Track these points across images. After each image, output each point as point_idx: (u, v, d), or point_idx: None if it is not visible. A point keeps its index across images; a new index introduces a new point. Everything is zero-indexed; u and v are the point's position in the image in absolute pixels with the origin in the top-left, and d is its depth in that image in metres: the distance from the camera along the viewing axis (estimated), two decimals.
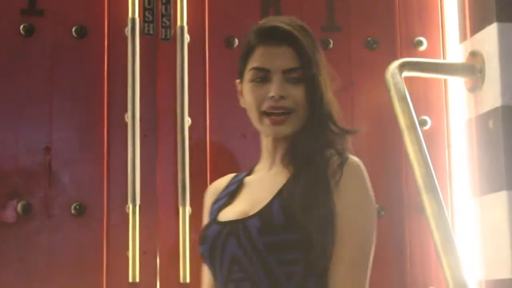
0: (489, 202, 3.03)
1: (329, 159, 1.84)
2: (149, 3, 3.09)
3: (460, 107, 3.23)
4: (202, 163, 3.04)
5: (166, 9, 3.11)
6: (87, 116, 3.01)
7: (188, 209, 2.95)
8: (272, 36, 1.86)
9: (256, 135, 3.05)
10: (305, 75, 1.86)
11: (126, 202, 2.93)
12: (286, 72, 1.86)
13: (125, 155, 2.95)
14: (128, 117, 2.97)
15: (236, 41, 3.14)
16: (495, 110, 3.01)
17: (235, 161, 3.09)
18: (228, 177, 2.10)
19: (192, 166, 2.99)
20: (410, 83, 3.08)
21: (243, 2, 3.20)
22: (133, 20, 3.03)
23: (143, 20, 3.08)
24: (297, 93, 1.86)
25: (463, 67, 3.17)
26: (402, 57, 3.16)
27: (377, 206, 3.09)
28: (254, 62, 1.89)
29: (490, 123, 3.03)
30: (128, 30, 3.02)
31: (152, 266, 2.95)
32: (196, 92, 3.07)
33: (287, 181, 1.85)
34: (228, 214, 1.90)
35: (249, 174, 2.04)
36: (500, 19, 3.04)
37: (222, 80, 3.10)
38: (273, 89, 1.84)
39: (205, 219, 2.03)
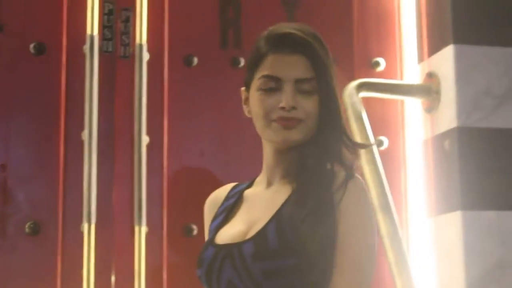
0: (444, 222, 3.06)
1: (336, 174, 1.77)
2: (108, 21, 3.09)
3: (417, 128, 3.26)
4: (159, 182, 3.03)
5: (125, 26, 3.11)
6: (43, 133, 3.00)
7: (144, 228, 2.94)
8: (285, 44, 1.76)
9: (213, 153, 3.10)
10: (319, 86, 1.77)
11: (82, 221, 2.91)
12: (298, 82, 1.77)
13: (81, 173, 2.93)
14: (85, 134, 2.95)
15: (195, 59, 3.15)
16: (451, 131, 3.04)
17: (193, 179, 3.09)
18: (227, 187, 2.03)
19: (149, 185, 2.98)
20: (368, 104, 3.11)
21: (202, 21, 3.20)
22: (92, 37, 3.02)
23: (102, 37, 3.07)
24: (309, 104, 1.77)
25: (420, 88, 3.20)
26: (359, 77, 3.17)
27: None
28: (264, 70, 1.78)
29: (446, 144, 3.06)
30: (86, 47, 3.01)
31: (107, 285, 2.93)
32: (154, 110, 3.06)
33: (286, 201, 1.77)
34: (225, 235, 1.84)
35: (249, 185, 1.96)
36: (456, 41, 3.07)
37: (180, 99, 3.10)
38: (284, 99, 1.75)
39: (206, 236, 1.97)
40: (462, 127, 3.02)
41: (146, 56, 3.07)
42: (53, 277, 2.91)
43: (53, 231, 2.93)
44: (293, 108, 1.75)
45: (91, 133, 2.95)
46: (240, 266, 1.73)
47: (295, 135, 1.78)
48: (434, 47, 3.19)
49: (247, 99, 1.86)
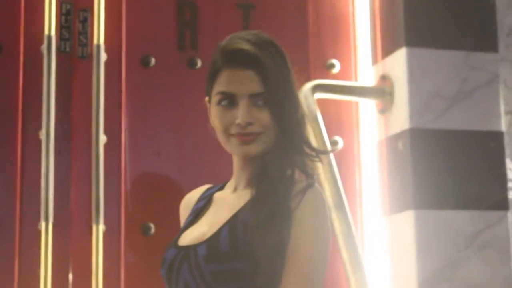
0: (397, 221, 3.11)
1: (297, 181, 1.79)
2: (66, 21, 3.09)
3: (371, 129, 3.31)
4: (116, 181, 3.04)
5: (83, 27, 3.12)
6: (1, 132, 2.99)
7: (101, 227, 2.95)
8: (236, 59, 1.78)
9: (170, 153, 3.12)
10: (269, 100, 1.78)
11: (39, 220, 2.92)
12: (252, 96, 1.79)
13: (38, 173, 2.93)
14: (42, 134, 2.96)
15: (153, 60, 3.16)
16: (404, 132, 3.10)
17: (150, 179, 3.10)
18: (201, 189, 2.04)
19: (107, 184, 3.00)
20: (323, 105, 3.15)
21: (160, 22, 3.22)
22: (49, 37, 3.02)
23: (60, 37, 3.07)
24: (264, 116, 1.79)
25: (374, 90, 3.25)
26: (315, 79, 3.21)
27: None
28: (220, 85, 1.81)
29: (400, 145, 3.12)
30: (44, 47, 3.02)
31: (64, 284, 2.93)
32: (111, 110, 3.07)
33: (244, 206, 1.80)
34: (187, 237, 1.86)
35: (221, 188, 1.98)
36: (409, 44, 3.13)
37: (138, 99, 3.12)
38: (239, 116, 1.78)
39: None
40: (414, 128, 3.08)
41: (103, 56, 3.07)
42: (10, 275, 2.90)
43: (11, 229, 2.92)
44: (249, 123, 1.78)
45: (48, 133, 2.95)
46: (195, 268, 1.76)
47: (254, 149, 1.81)
48: (388, 49, 3.25)
49: (209, 110, 1.88)
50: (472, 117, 3.14)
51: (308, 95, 3.04)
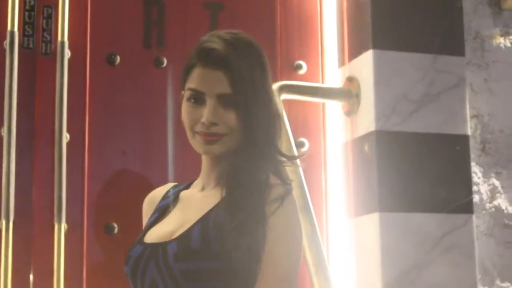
0: (362, 223, 3.11)
1: (271, 186, 1.80)
2: (29, 17, 3.05)
3: (337, 130, 3.31)
4: (79, 180, 3.00)
5: (47, 23, 3.08)
6: None
7: (64, 226, 2.91)
8: (209, 59, 1.80)
9: (135, 152, 3.09)
10: (238, 102, 1.79)
11: (0, 218, 2.86)
12: (221, 97, 1.80)
13: (0, 170, 2.88)
14: (4, 131, 2.91)
15: (118, 58, 3.13)
16: (369, 134, 3.09)
17: (114, 178, 3.07)
18: (166, 187, 2.04)
19: (69, 183, 2.95)
20: (289, 106, 3.14)
21: (126, 19, 3.19)
22: (12, 33, 2.97)
23: (23, 33, 3.03)
24: (230, 118, 1.80)
25: (340, 92, 3.25)
26: (281, 79, 3.21)
27: None
28: (191, 82, 1.83)
29: (366, 147, 3.12)
30: (6, 43, 2.97)
31: (25, 283, 2.89)
32: (75, 108, 3.04)
33: (216, 205, 1.80)
34: (153, 234, 1.86)
35: (187, 187, 1.99)
36: (375, 46, 3.13)
37: (102, 97, 3.09)
38: (205, 115, 1.79)
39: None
40: (380, 131, 3.08)
41: (67, 53, 3.03)
42: None
43: None
44: (214, 124, 1.79)
45: (10, 130, 2.90)
46: (163, 266, 1.75)
47: (216, 149, 1.82)
48: (354, 51, 3.24)
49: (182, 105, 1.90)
50: (438, 120, 3.14)
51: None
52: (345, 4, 3.33)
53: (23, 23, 3.04)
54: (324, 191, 3.28)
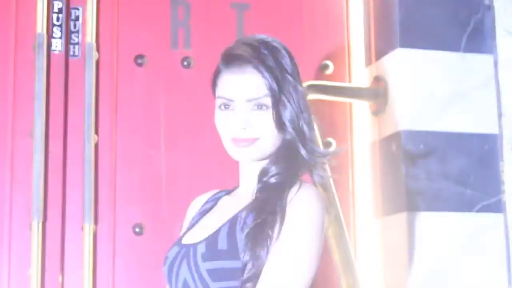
0: (390, 223, 3.10)
1: (296, 183, 1.80)
2: (57, 19, 3.07)
3: (364, 130, 3.30)
4: (108, 181, 3.02)
5: (75, 25, 3.10)
6: None
7: (93, 226, 2.93)
8: (235, 64, 1.81)
9: (163, 153, 3.10)
10: (267, 104, 1.80)
11: (31, 219, 2.89)
12: (250, 101, 1.81)
13: (30, 172, 2.91)
14: (33, 133, 2.93)
15: (146, 59, 3.14)
16: (397, 133, 3.09)
17: (143, 179, 3.08)
18: (211, 192, 2.06)
19: (98, 184, 2.98)
20: (316, 106, 3.13)
21: (153, 21, 3.20)
22: (41, 35, 3.00)
23: (51, 36, 3.06)
24: (262, 121, 1.80)
25: (368, 91, 3.24)
26: (308, 80, 3.19)
27: None
28: (220, 90, 1.84)
29: (393, 146, 3.11)
30: (35, 45, 2.99)
31: (55, 284, 2.90)
32: (103, 110, 3.05)
33: (245, 206, 1.81)
34: (190, 236, 1.89)
35: (229, 193, 2.01)
36: (403, 45, 3.12)
37: (130, 98, 3.10)
38: (236, 121, 1.80)
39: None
40: (407, 130, 3.07)
41: (95, 55, 3.06)
42: (0, 275, 2.88)
43: (1, 229, 2.90)
44: (244, 129, 1.80)
45: (40, 132, 2.93)
46: (193, 266, 1.78)
47: (250, 154, 1.83)
48: (382, 50, 3.24)
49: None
50: (467, 119, 3.13)
51: None
52: (371, 3, 3.32)
53: (51, 25, 3.06)
54: (352, 190, 3.27)
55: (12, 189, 2.94)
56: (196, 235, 1.87)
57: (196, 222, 1.96)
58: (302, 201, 1.75)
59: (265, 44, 1.86)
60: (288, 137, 1.82)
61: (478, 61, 3.18)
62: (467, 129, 3.12)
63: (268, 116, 1.81)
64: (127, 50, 3.14)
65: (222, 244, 1.75)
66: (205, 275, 1.75)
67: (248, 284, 1.71)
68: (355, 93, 3.26)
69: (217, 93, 1.86)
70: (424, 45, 3.15)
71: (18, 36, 3.04)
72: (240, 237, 1.74)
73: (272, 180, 1.81)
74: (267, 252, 1.71)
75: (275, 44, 1.88)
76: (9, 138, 2.96)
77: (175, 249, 1.87)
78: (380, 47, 3.25)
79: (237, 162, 1.94)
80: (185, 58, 3.19)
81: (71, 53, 3.08)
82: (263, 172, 1.84)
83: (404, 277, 2.98)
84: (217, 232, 1.80)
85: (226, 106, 1.83)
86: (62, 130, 3.01)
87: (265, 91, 1.80)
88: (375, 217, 3.19)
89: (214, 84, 1.89)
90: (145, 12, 3.20)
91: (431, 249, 3.00)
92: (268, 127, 1.81)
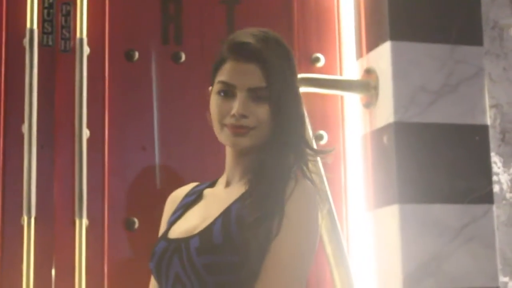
0: (382, 215, 3.11)
1: (295, 181, 1.81)
2: (48, 15, 3.07)
3: (356, 123, 3.31)
4: (100, 175, 3.02)
5: (65, 20, 3.10)
6: None
7: (84, 221, 2.94)
8: (241, 52, 1.83)
9: (155, 147, 3.10)
10: (270, 95, 1.82)
11: (22, 214, 2.89)
12: (251, 90, 1.83)
13: (21, 167, 2.91)
14: (25, 128, 2.93)
15: (136, 54, 3.15)
16: (388, 126, 3.09)
17: (134, 173, 3.08)
18: (190, 186, 2.07)
19: (90, 179, 2.98)
20: (308, 99, 3.13)
21: (143, 16, 3.20)
22: (31, 31, 3.00)
23: (42, 31, 3.05)
24: (261, 111, 1.83)
25: (359, 84, 3.25)
26: (300, 72, 3.16)
27: None
28: (222, 75, 1.85)
29: (384, 139, 3.11)
30: (26, 41, 2.99)
31: (47, 279, 2.91)
32: (95, 104, 3.05)
33: (237, 199, 1.83)
34: (177, 230, 1.89)
35: (211, 185, 2.01)
36: (393, 37, 3.13)
37: (121, 93, 3.10)
38: (235, 108, 1.82)
39: (161, 230, 2.02)
40: (399, 122, 3.08)
41: (86, 50, 3.05)
42: None
43: None
44: (244, 116, 1.82)
45: (31, 127, 2.92)
46: (186, 260, 1.78)
47: (244, 141, 1.84)
48: (372, 43, 3.24)
49: (211, 98, 1.92)
50: (457, 110, 3.13)
51: None
52: None
53: (42, 20, 3.06)
54: (344, 183, 3.28)
55: (3, 184, 2.94)
56: (185, 229, 1.86)
57: (180, 216, 1.96)
58: (300, 198, 1.78)
59: (269, 37, 1.89)
60: (282, 131, 1.85)
61: (468, 53, 3.17)
62: (458, 120, 3.12)
63: (265, 107, 1.83)
64: (118, 45, 3.14)
65: (217, 238, 1.76)
66: (201, 269, 1.75)
67: (247, 279, 1.73)
68: (346, 85, 3.26)
69: (218, 78, 1.87)
70: (414, 37, 3.15)
71: (8, 31, 3.04)
72: (236, 231, 1.75)
73: (268, 173, 1.82)
74: (266, 247, 1.73)
75: (277, 37, 1.92)
76: (0, 133, 2.96)
77: (163, 244, 1.87)
78: (370, 40, 3.25)
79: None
80: (176, 53, 3.19)
81: (62, 48, 3.07)
82: (258, 164, 1.85)
83: (397, 269, 2.99)
84: (210, 226, 1.80)
85: (226, 92, 1.85)
86: (53, 125, 3.01)
87: (269, 81, 1.82)
88: (367, 209, 3.20)
89: (215, 70, 1.89)
90: (136, 7, 3.20)
91: (423, 241, 3.00)
92: (264, 118, 1.83)
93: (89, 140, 3.01)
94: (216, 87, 1.87)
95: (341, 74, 3.36)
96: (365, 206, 3.21)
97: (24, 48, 3.00)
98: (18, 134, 2.96)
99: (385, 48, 3.13)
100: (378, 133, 3.16)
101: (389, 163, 3.08)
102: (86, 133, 3.00)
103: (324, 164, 2.93)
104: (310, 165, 1.89)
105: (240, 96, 1.83)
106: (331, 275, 2.86)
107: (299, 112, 1.89)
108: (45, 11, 3.07)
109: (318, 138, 3.25)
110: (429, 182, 3.05)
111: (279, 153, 1.84)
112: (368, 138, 3.22)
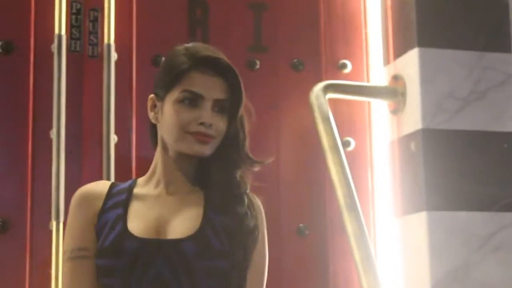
0: (410, 222, 3.09)
1: (245, 193, 1.95)
2: (76, 20, 3.09)
3: (383, 129, 3.30)
4: (127, 180, 3.02)
5: (93, 26, 3.11)
6: (12, 132, 2.99)
7: None
8: (210, 66, 1.90)
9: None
10: (231, 107, 1.92)
11: (50, 219, 2.90)
12: (216, 101, 1.90)
13: (49, 172, 2.92)
14: (53, 133, 2.95)
15: (163, 59, 3.14)
16: (416, 132, 3.08)
17: None
18: (103, 183, 2.04)
19: None
20: (335, 105, 3.14)
21: (170, 21, 3.21)
22: (60, 36, 3.01)
23: (70, 37, 3.07)
24: (220, 123, 1.91)
25: (386, 90, 3.24)
26: (327, 79, 3.21)
27: (301, 225, 3.15)
28: (187, 85, 1.89)
29: (412, 145, 3.10)
30: (54, 46, 3.01)
31: None
32: (122, 110, 3.06)
33: (207, 208, 1.91)
34: (138, 229, 1.88)
35: (133, 185, 2.01)
36: (421, 44, 3.12)
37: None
38: (204, 117, 1.88)
39: (84, 225, 1.93)
40: (427, 129, 3.07)
41: (114, 56, 3.07)
42: (21, 275, 2.89)
43: (22, 229, 2.92)
44: (210, 125, 1.89)
45: (59, 132, 2.94)
46: (179, 263, 1.82)
47: (207, 150, 1.91)
48: (400, 50, 3.23)
49: (155, 106, 1.98)
50: (485, 117, 3.12)
51: (319, 95, 3.03)
52: (389, 2, 3.32)
53: (70, 26, 3.08)
54: (371, 190, 3.28)
55: (32, 190, 2.95)
56: (150, 230, 1.87)
57: (124, 214, 1.92)
58: (261, 209, 1.99)
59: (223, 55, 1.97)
60: (236, 140, 1.95)
61: (497, 60, 3.16)
62: (486, 127, 3.11)
63: (224, 118, 1.92)
64: (145, 50, 3.16)
65: (215, 245, 1.85)
66: (199, 272, 1.82)
67: (238, 283, 1.86)
68: (373, 92, 3.26)
69: (183, 88, 1.90)
70: (442, 44, 3.14)
71: (37, 37, 3.06)
72: (225, 238, 1.86)
73: (225, 180, 1.93)
74: (251, 256, 1.90)
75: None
76: (29, 138, 2.98)
77: (133, 242, 1.85)
78: (398, 46, 3.25)
79: None
80: None
81: (90, 53, 3.09)
82: (208, 169, 1.94)
83: (425, 276, 2.97)
84: (202, 232, 1.86)
85: (191, 101, 1.89)
86: (81, 130, 3.02)
87: (232, 94, 1.92)
88: (395, 216, 3.19)
89: (174, 79, 1.92)
90: (163, 12, 3.21)
91: (451, 248, 2.99)
92: (223, 129, 1.92)
93: (116, 145, 3.02)
94: (179, 95, 1.90)
95: (368, 81, 3.36)
96: (393, 213, 3.20)
97: (52, 54, 3.01)
98: (47, 139, 2.97)
99: (413, 55, 3.13)
100: (405, 140, 3.15)
101: (416, 169, 3.07)
102: (113, 138, 3.01)
103: (351, 170, 2.93)
104: (248, 174, 2.01)
105: (207, 106, 1.89)
106: (359, 282, 2.85)
107: (244, 123, 1.98)
108: (73, 17, 3.09)
109: (346, 144, 3.24)
110: (457, 189, 3.04)
111: (228, 161, 1.94)
112: (396, 144, 3.21)
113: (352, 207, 2.88)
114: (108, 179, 2.94)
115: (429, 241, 2.98)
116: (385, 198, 3.25)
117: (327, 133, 2.96)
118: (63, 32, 3.03)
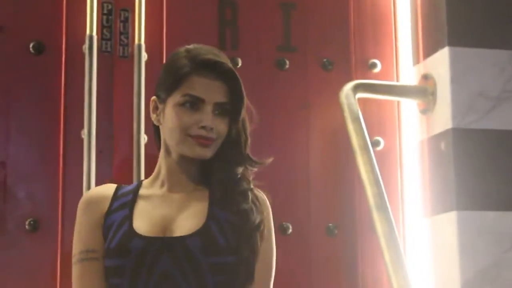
0: (439, 222, 3.08)
1: (249, 189, 1.97)
2: (107, 21, 3.11)
3: (413, 129, 3.29)
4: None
5: (124, 27, 3.13)
6: (43, 131, 3.01)
7: None
8: (211, 69, 1.92)
9: None
10: (233, 110, 1.94)
11: None
12: (217, 105, 1.92)
13: (80, 171, 2.95)
14: (84, 133, 2.97)
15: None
16: (446, 132, 3.07)
17: None
18: (109, 186, 2.05)
19: None
20: (364, 105, 3.14)
21: (200, 21, 3.22)
22: (91, 37, 3.04)
23: (101, 37, 3.09)
24: (221, 125, 1.93)
25: (416, 90, 3.23)
26: (356, 78, 3.21)
27: (330, 224, 3.15)
28: (189, 89, 1.91)
29: (442, 145, 3.09)
30: (85, 47, 3.03)
31: None
32: None
33: (212, 205, 1.94)
34: (144, 228, 1.90)
35: (139, 187, 2.03)
36: (451, 43, 3.11)
37: None
38: (206, 120, 1.90)
39: (92, 227, 1.97)
40: (457, 128, 3.05)
41: (144, 56, 3.09)
42: (53, 274, 2.92)
43: (53, 228, 2.94)
44: (212, 129, 1.91)
45: (90, 132, 2.96)
46: (184, 259, 1.84)
47: (208, 152, 1.93)
48: (430, 49, 3.22)
49: (156, 108, 1.99)
50: None
51: (349, 95, 3.04)
52: (419, 1, 3.31)
53: (101, 27, 3.10)
54: (400, 189, 3.27)
55: (64, 189, 2.97)
56: (157, 229, 1.90)
57: (130, 214, 1.94)
58: (267, 205, 1.99)
59: (226, 58, 1.99)
60: (238, 142, 1.97)
61: None
62: None
63: (225, 121, 1.94)
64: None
65: (221, 241, 1.87)
66: (206, 269, 1.84)
67: (246, 278, 1.88)
68: (403, 91, 3.25)
69: (185, 92, 1.92)
70: (472, 43, 3.13)
71: (68, 38, 3.08)
72: (230, 235, 1.88)
73: (235, 179, 1.96)
74: (258, 251, 1.91)
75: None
76: (60, 138, 3.00)
77: (139, 241, 1.87)
78: (428, 46, 3.24)
79: None
80: (232, 59, 3.20)
81: (121, 54, 3.11)
82: (220, 171, 1.96)
83: (455, 276, 2.97)
84: (206, 228, 1.88)
85: (192, 105, 1.91)
86: (111, 130, 3.04)
87: (229, 98, 1.92)
88: (424, 215, 3.18)
89: (176, 82, 1.93)
90: (193, 12, 3.23)
91: (481, 248, 2.98)
92: (224, 131, 1.94)
93: (147, 145, 3.03)
94: (180, 99, 1.92)
95: (397, 80, 3.35)
96: (422, 213, 3.19)
97: (83, 54, 3.04)
98: (78, 139, 3.00)
99: (443, 54, 3.11)
100: (435, 140, 3.14)
101: (446, 169, 3.06)
102: (144, 138, 3.03)
103: (380, 170, 2.93)
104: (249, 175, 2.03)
105: (208, 109, 1.91)
106: (389, 282, 2.85)
107: (248, 126, 2.00)
108: (104, 17, 3.11)
109: (375, 144, 3.24)
110: (487, 189, 3.03)
111: (230, 162, 1.97)
112: (425, 144, 3.20)
113: (382, 207, 2.88)
114: (138, 178, 2.96)
115: (458, 241, 2.97)
116: (415, 198, 3.24)
117: (357, 132, 2.96)
118: (94, 32, 3.05)
